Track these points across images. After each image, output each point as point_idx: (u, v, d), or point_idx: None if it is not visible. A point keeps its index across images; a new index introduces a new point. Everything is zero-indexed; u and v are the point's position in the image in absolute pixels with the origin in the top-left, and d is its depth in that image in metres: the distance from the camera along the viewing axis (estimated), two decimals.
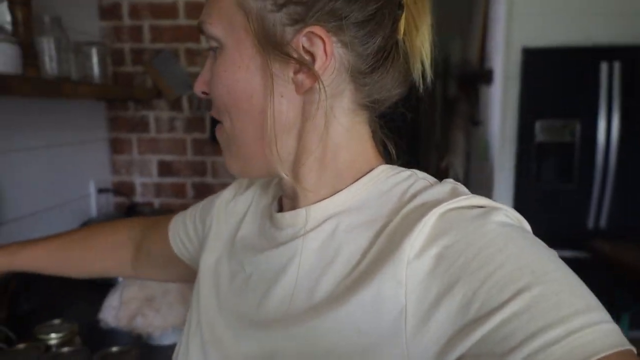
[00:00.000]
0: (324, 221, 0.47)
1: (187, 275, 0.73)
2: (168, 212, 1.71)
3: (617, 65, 2.47)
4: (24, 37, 1.07)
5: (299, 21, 0.42)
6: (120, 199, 1.79)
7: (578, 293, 0.34)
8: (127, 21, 1.71)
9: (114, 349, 0.90)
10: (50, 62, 1.24)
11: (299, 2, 0.42)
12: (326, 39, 0.42)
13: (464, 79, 3.09)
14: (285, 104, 0.45)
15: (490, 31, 2.72)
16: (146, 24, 1.71)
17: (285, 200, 0.52)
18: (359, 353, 0.40)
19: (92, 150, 1.69)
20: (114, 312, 1.06)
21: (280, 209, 0.53)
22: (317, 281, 0.45)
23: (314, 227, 0.47)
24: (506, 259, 0.36)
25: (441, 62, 3.85)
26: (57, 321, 0.95)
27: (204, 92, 0.50)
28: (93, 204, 1.65)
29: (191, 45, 1.71)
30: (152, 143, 1.77)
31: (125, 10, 1.70)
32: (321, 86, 0.43)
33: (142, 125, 1.76)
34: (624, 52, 2.46)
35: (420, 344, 0.37)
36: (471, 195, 0.42)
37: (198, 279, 0.60)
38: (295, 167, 0.48)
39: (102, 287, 1.26)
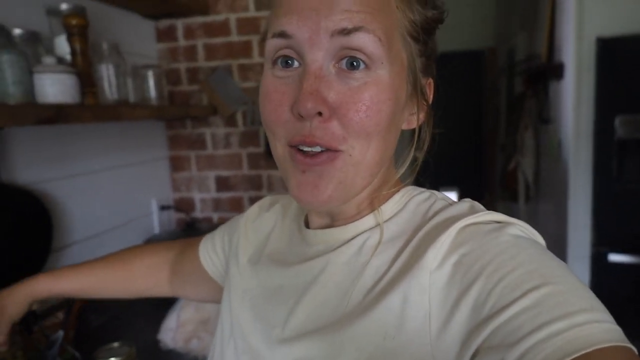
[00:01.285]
0: (353, 238, 0.51)
1: (218, 294, 0.74)
2: None
3: None
4: (83, 66, 1.11)
5: (424, 71, 0.50)
6: (180, 215, 1.83)
7: (584, 295, 0.37)
8: (182, 41, 1.75)
9: None
10: (109, 87, 1.28)
11: (429, 56, 0.50)
12: (432, 88, 0.52)
13: (531, 74, 2.90)
14: (399, 133, 0.51)
15: (558, 22, 2.54)
16: (200, 43, 1.74)
17: (315, 218, 0.55)
18: (386, 356, 0.43)
19: (153, 169, 1.74)
20: (171, 334, 1.07)
21: (306, 225, 0.57)
22: (345, 292, 0.49)
23: (344, 243, 0.51)
24: (518, 264, 0.39)
25: (505, 58, 3.66)
26: (116, 344, 0.97)
27: (319, 113, 0.43)
28: (155, 221, 1.70)
29: (243, 60, 1.72)
30: (210, 159, 1.80)
31: (180, 31, 1.74)
32: (428, 125, 0.52)
33: (199, 143, 1.79)
34: None
35: (444, 343, 0.40)
36: (488, 211, 0.46)
37: (228, 290, 0.62)
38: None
39: (162, 306, 1.29)
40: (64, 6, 1.15)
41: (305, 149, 0.45)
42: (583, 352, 0.33)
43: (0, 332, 0.67)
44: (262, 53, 1.68)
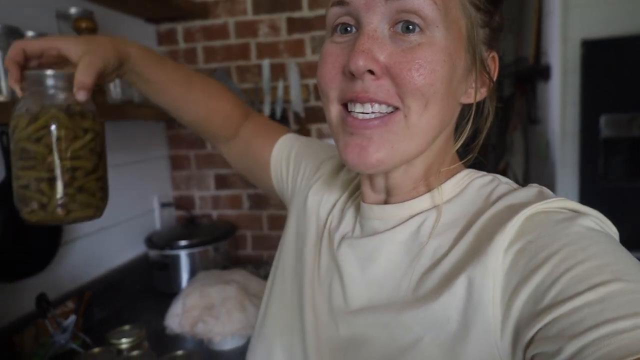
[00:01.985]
0: (411, 217, 0.50)
1: (264, 185, 0.76)
2: (225, 223, 1.79)
3: None
4: None
5: (488, 43, 0.49)
6: (181, 212, 1.89)
7: None
8: (182, 45, 1.81)
9: (179, 352, 0.96)
10: (114, 88, 1.34)
11: (494, 28, 0.49)
12: (497, 63, 0.51)
13: (519, 76, 2.98)
14: (458, 107, 0.51)
15: (545, 25, 2.63)
16: (199, 45, 1.80)
17: (370, 192, 0.54)
18: (448, 341, 0.43)
19: (154, 168, 1.80)
20: (177, 320, 1.13)
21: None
22: (404, 273, 0.49)
23: (402, 222, 0.51)
24: (588, 257, 0.37)
25: None
26: (127, 327, 1.03)
27: (367, 71, 0.44)
28: (157, 218, 1.76)
29: (241, 62, 1.78)
30: (209, 158, 1.86)
31: (180, 34, 1.81)
32: (490, 101, 0.51)
33: (199, 142, 1.85)
34: None
35: (506, 330, 0.40)
36: (559, 198, 0.44)
37: (281, 258, 0.64)
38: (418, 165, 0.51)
39: (166, 297, 1.34)
40: (73, 10, 1.21)
41: (357, 110, 0.45)
42: None
43: (88, 74, 0.55)
44: (259, 55, 1.75)
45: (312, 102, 1.74)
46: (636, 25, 2.21)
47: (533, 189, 0.47)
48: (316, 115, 1.74)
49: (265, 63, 1.73)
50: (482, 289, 0.41)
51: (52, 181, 0.53)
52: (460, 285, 0.42)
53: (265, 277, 1.51)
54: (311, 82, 1.73)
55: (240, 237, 1.86)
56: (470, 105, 0.50)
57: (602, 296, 0.35)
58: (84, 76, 0.55)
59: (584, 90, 2.43)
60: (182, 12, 1.69)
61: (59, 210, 0.54)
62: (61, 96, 0.55)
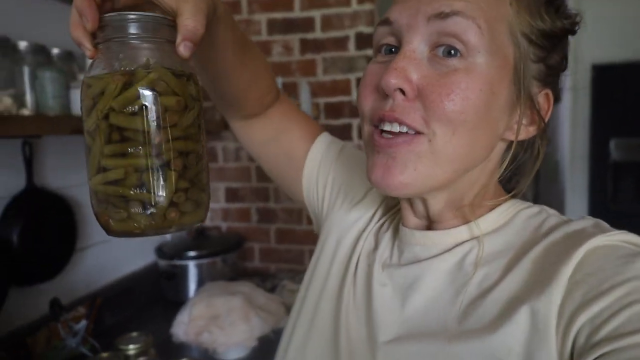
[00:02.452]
0: (456, 246, 0.49)
1: (288, 183, 0.69)
2: (234, 235, 1.83)
3: None
4: None
5: (542, 80, 0.46)
6: None
7: None
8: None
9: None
10: None
11: (550, 66, 0.46)
12: (551, 103, 0.48)
13: None
14: (499, 141, 0.48)
15: None
16: None
17: (411, 217, 0.53)
18: None
19: None
20: (183, 328, 1.17)
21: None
22: (450, 302, 0.47)
23: (446, 250, 0.49)
24: None
25: None
26: (135, 334, 1.06)
27: (398, 90, 0.43)
28: None
29: None
30: (221, 172, 1.91)
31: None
32: (541, 141, 0.48)
33: (211, 156, 1.91)
34: None
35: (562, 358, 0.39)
36: (623, 231, 0.43)
37: (314, 279, 0.60)
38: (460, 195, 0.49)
39: (174, 306, 1.38)
40: None
41: (386, 129, 0.44)
42: None
43: (198, 20, 0.39)
44: (275, 72, 1.81)
45: (322, 120, 1.79)
46: None
47: (589, 221, 0.46)
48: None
49: (278, 81, 1.78)
50: (547, 320, 0.39)
51: (162, 171, 0.37)
52: (522, 316, 0.41)
53: (271, 289, 1.54)
54: (322, 100, 1.78)
55: (248, 250, 1.90)
56: (521, 142, 0.48)
57: None
58: (194, 22, 0.39)
59: (594, 113, 2.45)
60: None
61: (172, 213, 0.38)
62: (159, 52, 0.38)
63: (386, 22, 0.45)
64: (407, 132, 0.44)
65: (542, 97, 0.47)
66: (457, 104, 0.41)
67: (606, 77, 2.36)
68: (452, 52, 0.42)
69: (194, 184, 0.39)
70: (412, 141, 0.43)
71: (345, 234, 0.60)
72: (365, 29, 1.70)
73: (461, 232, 0.49)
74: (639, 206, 2.42)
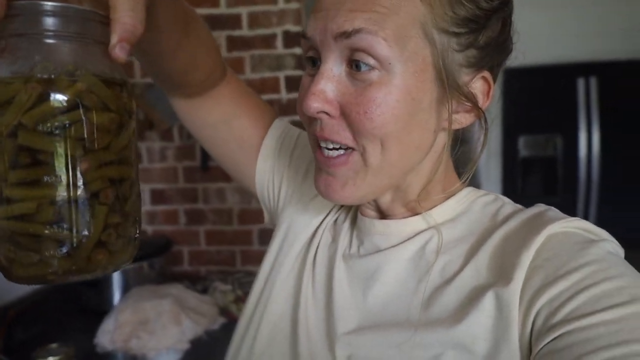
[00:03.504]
0: (416, 235, 0.50)
1: (239, 169, 0.65)
2: (161, 238, 1.76)
3: (593, 81, 2.57)
4: None
5: (474, 65, 0.44)
6: None
7: None
8: None
9: None
10: None
11: (479, 47, 0.44)
12: (491, 83, 0.46)
13: None
14: (439, 137, 0.47)
15: None
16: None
17: (369, 211, 0.54)
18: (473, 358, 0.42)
19: None
20: (109, 336, 1.10)
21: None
22: (413, 291, 0.47)
23: (406, 239, 0.50)
24: (606, 278, 0.38)
25: None
26: (54, 345, 0.98)
27: (322, 112, 0.43)
28: None
29: None
30: (145, 173, 1.83)
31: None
32: (483, 124, 0.47)
33: None
34: (599, 68, 2.56)
35: (522, 345, 0.40)
36: (577, 218, 0.44)
37: (271, 275, 0.58)
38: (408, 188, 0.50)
39: (96, 316, 1.30)
40: None
41: (326, 147, 0.45)
42: None
43: (135, 16, 0.32)
44: None
45: None
46: (552, 55, 2.44)
47: (543, 208, 0.47)
48: None
49: None
50: (510, 305, 0.40)
51: (88, 204, 0.30)
52: (487, 303, 0.42)
53: (202, 292, 1.50)
54: None
55: (176, 253, 1.83)
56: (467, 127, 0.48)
57: (620, 317, 0.35)
58: (132, 19, 0.32)
59: (505, 113, 2.64)
60: None
61: (99, 255, 0.31)
62: (86, 55, 0.31)
63: (304, 36, 0.45)
64: (341, 149, 0.45)
65: (479, 81, 0.46)
66: (375, 120, 0.42)
67: (515, 80, 2.56)
68: (360, 65, 0.42)
69: (127, 217, 0.33)
70: (347, 160, 0.45)
71: (303, 229, 0.59)
72: (293, 27, 1.70)
73: (419, 221, 0.50)
74: (545, 198, 2.64)
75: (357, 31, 0.40)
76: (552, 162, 2.68)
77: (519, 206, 0.50)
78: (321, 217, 0.60)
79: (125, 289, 1.47)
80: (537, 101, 2.59)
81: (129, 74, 1.78)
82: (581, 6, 2.53)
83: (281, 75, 1.74)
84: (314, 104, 0.42)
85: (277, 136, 0.64)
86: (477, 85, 0.46)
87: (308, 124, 0.47)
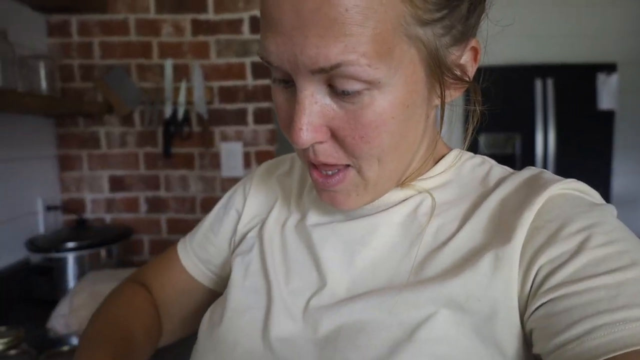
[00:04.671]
0: (407, 199, 0.48)
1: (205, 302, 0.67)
2: (119, 226, 1.69)
3: (550, 82, 2.67)
4: None
5: (460, 40, 0.42)
6: (69, 216, 1.75)
7: None
8: (76, 38, 1.71)
9: (64, 348, 0.88)
10: None
11: (462, 21, 0.41)
12: (479, 47, 0.45)
13: None
14: (429, 120, 0.46)
15: None
16: (96, 40, 1.71)
17: None
18: (469, 320, 0.40)
19: (39, 168, 1.65)
20: (63, 321, 1.04)
21: None
22: (404, 255, 0.46)
23: (397, 203, 0.48)
24: (608, 241, 0.37)
25: None
26: (2, 328, 0.92)
27: (318, 142, 0.41)
28: (41, 221, 1.61)
29: (142, 61, 1.73)
30: (103, 159, 1.76)
31: (74, 27, 1.70)
32: (473, 94, 0.46)
33: (92, 141, 1.74)
34: (556, 70, 2.67)
35: (521, 304, 0.39)
36: (572, 179, 0.44)
37: (262, 250, 0.54)
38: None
39: (48, 304, 1.23)
40: None
41: (320, 168, 0.44)
42: None
43: None
44: (161, 55, 1.71)
45: (216, 105, 1.73)
46: (512, 56, 2.52)
47: (536, 170, 0.47)
48: (220, 117, 1.74)
49: (168, 63, 1.69)
50: (511, 264, 0.40)
51: None
52: (486, 263, 0.41)
53: None
54: (216, 84, 1.73)
55: (136, 242, 1.77)
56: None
57: (620, 281, 0.35)
58: None
59: (466, 110, 2.70)
60: (77, 4, 1.60)
61: None
62: None
63: (269, 63, 0.41)
64: (336, 170, 0.44)
65: (468, 53, 0.44)
66: (373, 142, 0.40)
67: (477, 79, 2.63)
68: (347, 91, 0.38)
69: None
70: (345, 177, 0.44)
71: (258, 210, 0.60)
72: (259, 14, 1.68)
73: (409, 189, 0.49)
74: None
75: (335, 66, 0.37)
76: (511, 160, 2.76)
77: (507, 168, 0.50)
78: (272, 203, 0.59)
79: (80, 277, 1.40)
80: (498, 101, 2.66)
81: (87, 56, 1.71)
82: (539, 9, 2.63)
83: (247, 61, 1.72)
84: (304, 139, 0.40)
85: (188, 250, 0.66)
86: (466, 57, 0.44)
87: (300, 150, 0.45)
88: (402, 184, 0.49)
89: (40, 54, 1.56)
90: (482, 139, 2.66)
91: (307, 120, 0.40)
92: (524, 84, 2.69)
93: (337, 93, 0.39)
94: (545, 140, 2.73)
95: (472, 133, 0.49)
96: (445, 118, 0.47)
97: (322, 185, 0.45)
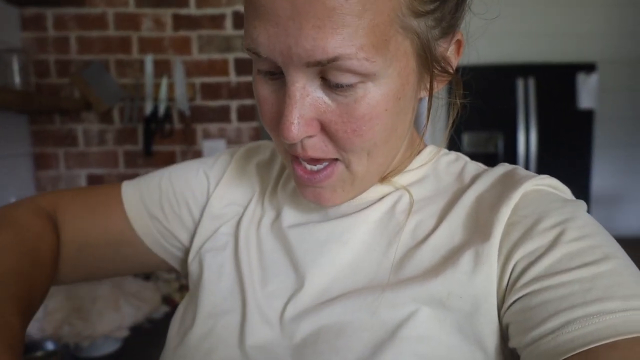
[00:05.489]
0: (384, 196, 0.48)
1: (139, 262, 0.59)
2: None
3: (531, 82, 2.70)
4: None
5: (448, 32, 0.42)
6: None
7: None
8: (51, 32, 1.65)
9: (38, 353, 0.84)
10: None
11: (451, 13, 0.41)
12: (462, 40, 0.44)
13: None
14: (414, 113, 0.45)
15: None
16: (72, 35, 1.66)
17: None
18: (451, 318, 0.40)
19: (13, 166, 1.59)
20: (37, 325, 1.00)
21: None
22: (382, 253, 0.45)
23: (374, 202, 0.48)
24: (582, 236, 0.38)
25: None
26: None
27: (308, 136, 0.40)
28: None
29: (121, 56, 1.68)
30: (81, 157, 1.70)
31: (49, 21, 1.65)
32: (455, 87, 0.46)
33: (69, 139, 1.69)
34: (537, 69, 2.70)
35: (499, 299, 0.39)
36: (545, 176, 0.44)
37: (237, 250, 0.51)
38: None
39: None
40: None
41: (304, 163, 0.43)
42: (637, 334, 0.32)
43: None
44: (141, 50, 1.67)
45: (198, 101, 1.70)
46: (493, 56, 2.54)
47: (509, 167, 0.47)
48: (202, 114, 1.70)
49: (148, 58, 1.65)
50: (491, 261, 0.39)
51: None
52: (465, 260, 0.40)
53: (144, 277, 1.41)
54: (198, 80, 1.69)
55: None
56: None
57: (594, 275, 0.35)
58: None
59: (449, 110, 2.72)
60: None
61: None
62: None
63: (257, 54, 0.38)
64: (323, 165, 0.42)
65: (453, 46, 0.44)
66: (365, 135, 0.39)
67: (461, 78, 2.64)
68: (342, 84, 0.37)
69: None
70: (332, 172, 0.42)
71: (228, 208, 0.55)
72: (243, 9, 1.65)
73: (386, 186, 0.49)
74: None
75: (332, 60, 0.35)
76: (494, 158, 2.78)
77: (480, 165, 0.50)
78: (249, 196, 0.55)
79: None
80: (480, 100, 2.68)
81: (63, 51, 1.65)
82: (519, 8, 2.65)
83: (230, 57, 1.69)
84: (295, 134, 0.38)
85: (138, 197, 0.57)
86: (452, 49, 0.44)
87: (281, 143, 0.43)
88: (382, 179, 0.49)
89: (14, 48, 1.50)
90: (465, 138, 2.67)
91: (298, 114, 0.38)
92: (506, 83, 2.71)
93: (329, 86, 0.38)
94: (527, 139, 2.75)
95: (453, 126, 0.49)
96: (427, 112, 0.46)
97: (307, 181, 0.43)
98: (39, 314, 1.03)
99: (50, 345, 0.98)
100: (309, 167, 0.43)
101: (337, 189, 0.44)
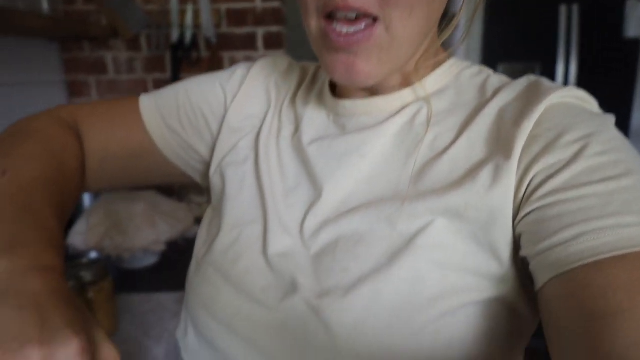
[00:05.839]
0: (403, 108, 0.47)
1: (162, 174, 0.61)
2: None
3: (575, 8, 2.53)
4: None
5: None
6: None
7: None
8: None
9: (83, 260, 0.91)
10: None
11: None
12: None
13: None
14: (442, 5, 0.44)
15: None
16: None
17: (351, 89, 0.50)
18: (468, 228, 0.40)
19: (47, 93, 1.63)
20: (81, 238, 1.06)
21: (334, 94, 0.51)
22: (402, 166, 0.45)
23: (394, 114, 0.47)
24: (605, 150, 0.37)
25: None
26: None
27: None
28: None
29: None
30: (112, 85, 1.73)
31: None
32: None
33: (99, 67, 1.71)
34: None
35: (516, 210, 0.39)
36: (571, 87, 0.43)
37: (257, 163, 0.52)
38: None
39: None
40: None
41: (339, 25, 0.41)
42: None
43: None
44: None
45: (224, 28, 1.67)
46: None
47: (533, 79, 0.46)
48: (229, 42, 1.68)
49: None
50: (509, 173, 0.39)
51: None
52: (484, 174, 0.40)
53: (178, 198, 1.47)
54: (223, 6, 1.65)
55: None
56: None
57: (613, 189, 0.34)
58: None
59: (485, 40, 2.59)
60: None
61: None
62: None
63: None
64: (363, 26, 0.40)
65: None
66: None
67: (495, 6, 2.49)
68: None
69: None
70: (371, 35, 0.40)
71: (244, 121, 0.55)
72: None
73: (407, 95, 0.47)
74: None
75: None
76: None
77: (505, 77, 0.48)
78: (265, 108, 0.55)
79: (95, 198, 1.42)
80: (519, 29, 2.54)
81: None
82: None
83: None
84: None
85: (156, 111, 0.57)
86: None
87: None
88: (403, 80, 0.48)
89: None
90: (500, 69, 2.57)
91: None
92: (548, 9, 2.55)
93: None
94: (566, 70, 2.62)
95: (475, 13, 0.47)
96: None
97: (342, 43, 0.41)
98: (82, 227, 1.09)
99: (94, 254, 1.05)
100: (345, 29, 0.40)
101: (372, 57, 0.42)
